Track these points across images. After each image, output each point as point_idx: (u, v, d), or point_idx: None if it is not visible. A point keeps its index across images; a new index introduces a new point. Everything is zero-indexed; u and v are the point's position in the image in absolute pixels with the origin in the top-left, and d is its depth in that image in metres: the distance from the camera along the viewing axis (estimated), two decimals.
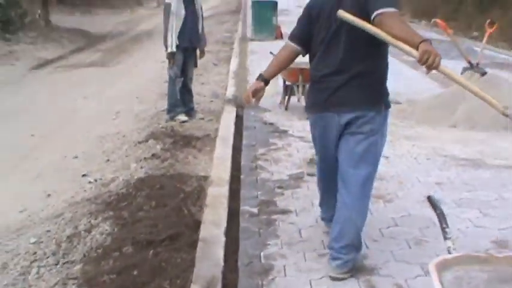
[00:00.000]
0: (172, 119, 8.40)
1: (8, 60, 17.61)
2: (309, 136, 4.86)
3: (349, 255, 4.02)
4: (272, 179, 5.94)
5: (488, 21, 9.49)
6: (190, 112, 8.60)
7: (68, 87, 14.06)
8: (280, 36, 16.84)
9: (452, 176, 6.06)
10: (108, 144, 8.19)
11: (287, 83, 8.68)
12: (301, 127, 7.68)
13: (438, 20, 8.82)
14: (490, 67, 10.95)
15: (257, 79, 4.33)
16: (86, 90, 13.35)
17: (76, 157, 7.92)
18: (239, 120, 8.30)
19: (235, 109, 8.79)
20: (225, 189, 5.55)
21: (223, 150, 6.72)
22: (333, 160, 4.18)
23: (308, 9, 4.21)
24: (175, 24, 8.02)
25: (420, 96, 9.40)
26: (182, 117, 8.38)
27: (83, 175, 6.97)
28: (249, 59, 13.56)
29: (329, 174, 4.30)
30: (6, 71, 16.49)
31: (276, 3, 17.23)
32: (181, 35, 8.08)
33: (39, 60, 18.44)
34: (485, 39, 9.37)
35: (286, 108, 8.77)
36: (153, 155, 6.96)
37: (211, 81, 11.38)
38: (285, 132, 7.55)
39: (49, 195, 6.68)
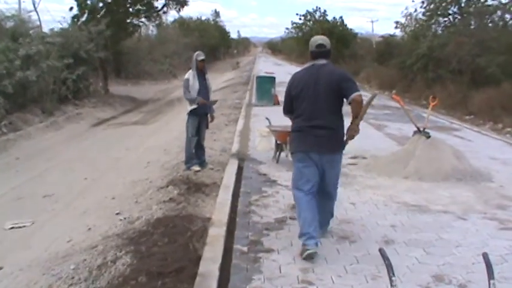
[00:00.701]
0: (188, 168, 8.07)
1: (75, 120, 17.60)
2: None
3: (328, 225, 5.19)
4: (261, 221, 5.56)
5: (431, 96, 9.22)
6: (202, 164, 8.27)
7: (116, 141, 13.90)
8: (277, 102, 16.47)
9: (404, 219, 5.69)
10: (138, 188, 7.87)
11: (278, 142, 8.34)
12: (287, 177, 7.31)
13: (394, 96, 8.56)
14: (433, 129, 10.66)
15: None
16: (128, 143, 13.17)
17: (114, 198, 7.63)
18: (240, 170, 7.95)
19: (237, 162, 8.42)
20: (222, 230, 5.19)
21: (224, 196, 6.37)
22: (314, 180, 4.72)
23: (289, 92, 4.89)
24: (193, 93, 7.81)
25: (381, 152, 9.06)
26: (196, 167, 8.05)
27: (116, 213, 6.65)
28: (251, 121, 13.22)
29: (311, 194, 4.72)
30: (73, 128, 16.47)
31: (274, 78, 16.97)
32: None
33: (98, 120, 18.39)
34: (429, 109, 9.09)
35: (277, 162, 8.36)
36: (170, 198, 6.63)
37: (221, 138, 11.05)
38: (274, 181, 7.19)
39: (90, 229, 6.39)
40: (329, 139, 4.63)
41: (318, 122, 4.61)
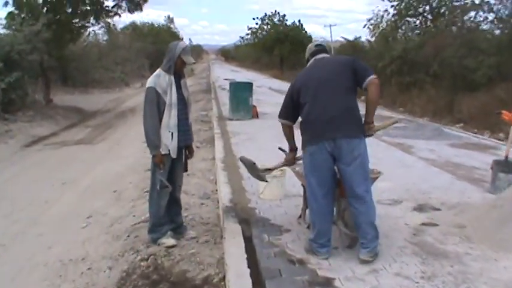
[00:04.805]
0: (155, 242, 4.44)
1: (2, 139, 13.33)
2: None
3: (374, 243, 3.82)
4: None
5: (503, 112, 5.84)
6: (178, 230, 4.66)
7: (50, 169, 9.98)
8: (256, 115, 12.84)
9: None
10: (65, 285, 4.13)
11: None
12: (346, 267, 3.80)
13: (505, 112, 5.15)
14: (468, 148, 7.42)
15: (289, 153, 4.47)
16: (67, 173, 9.29)
17: None
18: (249, 249, 4.23)
19: (239, 227, 4.65)
20: None
21: None
22: (329, 182, 3.88)
23: (290, 94, 4.09)
24: (171, 118, 4.23)
25: (450, 196, 5.66)
26: (169, 240, 4.42)
27: None
28: (232, 142, 9.47)
29: (327, 199, 3.90)
30: None
31: (251, 84, 13.16)
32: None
33: (32, 138, 14.25)
34: None
35: (308, 227, 4.62)
36: None
37: (196, 170, 7.27)
38: (329, 284, 3.50)
39: None
40: (343, 119, 3.77)
41: (327, 104, 3.80)
